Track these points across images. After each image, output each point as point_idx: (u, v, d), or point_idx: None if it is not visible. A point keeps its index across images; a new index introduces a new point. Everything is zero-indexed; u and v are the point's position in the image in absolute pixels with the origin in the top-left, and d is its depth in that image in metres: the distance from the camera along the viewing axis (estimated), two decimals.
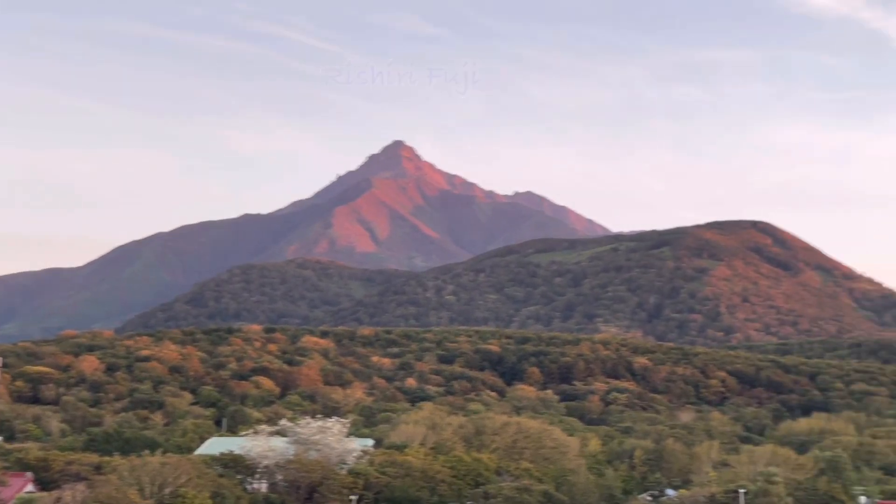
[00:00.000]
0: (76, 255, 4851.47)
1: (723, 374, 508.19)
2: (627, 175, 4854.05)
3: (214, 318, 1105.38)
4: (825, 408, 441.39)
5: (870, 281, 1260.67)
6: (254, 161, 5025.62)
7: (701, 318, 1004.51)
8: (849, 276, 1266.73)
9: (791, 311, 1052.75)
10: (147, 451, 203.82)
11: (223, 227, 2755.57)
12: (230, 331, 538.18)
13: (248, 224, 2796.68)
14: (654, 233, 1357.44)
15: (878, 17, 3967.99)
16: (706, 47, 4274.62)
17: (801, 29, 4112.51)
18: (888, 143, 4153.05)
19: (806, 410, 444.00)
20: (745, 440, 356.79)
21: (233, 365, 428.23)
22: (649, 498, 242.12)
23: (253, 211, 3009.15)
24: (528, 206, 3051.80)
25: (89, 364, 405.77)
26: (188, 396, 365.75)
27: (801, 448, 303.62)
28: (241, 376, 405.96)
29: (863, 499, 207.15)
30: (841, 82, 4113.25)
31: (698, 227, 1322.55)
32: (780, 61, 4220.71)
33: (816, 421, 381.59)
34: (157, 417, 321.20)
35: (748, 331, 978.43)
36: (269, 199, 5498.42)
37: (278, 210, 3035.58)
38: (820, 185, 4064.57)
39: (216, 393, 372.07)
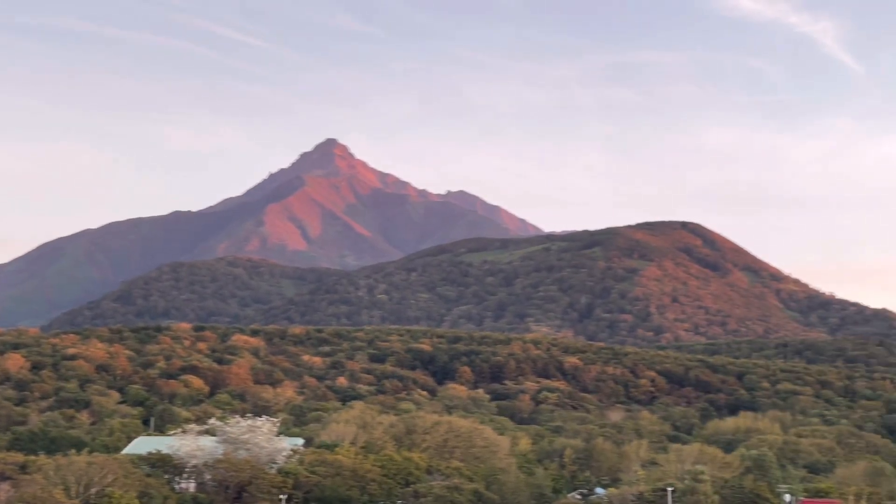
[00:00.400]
0: (1, 251, 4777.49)
1: (652, 373, 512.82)
2: (560, 175, 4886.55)
3: (143, 317, 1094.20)
4: (752, 407, 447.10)
5: (796, 282, 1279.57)
6: (184, 158, 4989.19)
7: (631, 319, 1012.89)
8: (776, 277, 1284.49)
9: (719, 312, 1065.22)
10: (73, 451, 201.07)
11: (153, 225, 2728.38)
12: (159, 329, 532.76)
13: (178, 221, 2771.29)
14: (585, 233, 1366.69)
15: (805, 22, 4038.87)
16: (638, 49, 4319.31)
17: (730, 33, 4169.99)
18: (814, 145, 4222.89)
19: (733, 409, 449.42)
20: (674, 439, 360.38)
21: (161, 364, 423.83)
22: (579, 496, 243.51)
23: (183, 208, 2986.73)
24: (460, 205, 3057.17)
25: (14, 362, 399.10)
26: (115, 395, 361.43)
27: (728, 447, 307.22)
28: (170, 375, 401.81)
29: (787, 497, 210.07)
30: (769, 86, 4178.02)
31: (629, 227, 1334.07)
32: (709, 64, 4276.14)
33: (743, 420, 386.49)
34: (84, 416, 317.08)
35: (677, 331, 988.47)
36: (199, 196, 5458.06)
37: (209, 207, 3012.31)
38: (748, 187, 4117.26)
39: (144, 392, 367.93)
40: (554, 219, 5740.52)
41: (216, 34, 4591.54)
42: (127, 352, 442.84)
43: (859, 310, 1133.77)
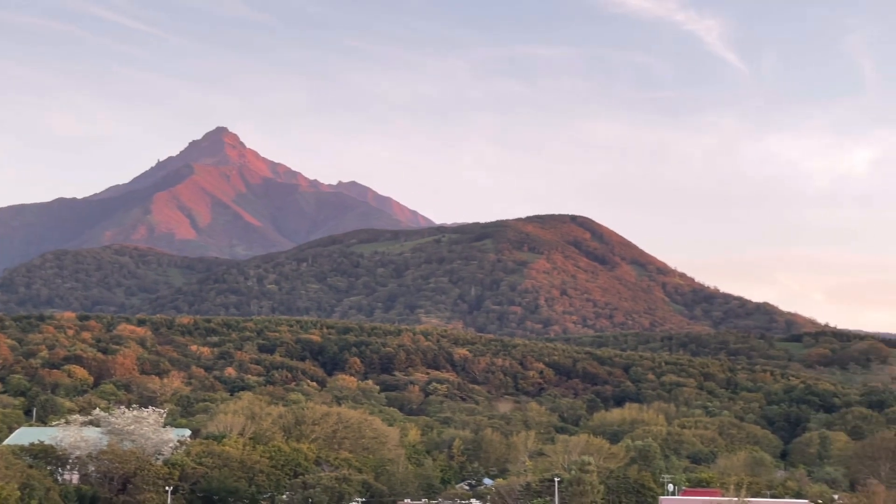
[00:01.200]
0: None
1: (540, 365, 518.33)
2: (451, 167, 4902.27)
3: (25, 305, 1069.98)
4: (637, 398, 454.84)
5: (681, 276, 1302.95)
6: (69, 143, 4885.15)
7: (520, 311, 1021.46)
8: (662, 271, 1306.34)
9: (607, 305, 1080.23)
10: None
11: (36, 211, 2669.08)
12: (42, 318, 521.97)
13: (63, 208, 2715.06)
14: (476, 225, 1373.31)
15: (691, 20, 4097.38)
16: (527, 43, 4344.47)
17: (618, 29, 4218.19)
18: (699, 142, 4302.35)
19: (619, 401, 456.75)
20: (561, 430, 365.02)
21: (44, 353, 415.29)
22: (467, 487, 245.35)
23: (68, 195, 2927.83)
24: (352, 196, 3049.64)
25: None
26: None
27: (614, 438, 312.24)
28: (53, 365, 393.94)
29: (670, 486, 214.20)
30: (656, 82, 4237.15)
31: (519, 220, 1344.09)
32: (598, 59, 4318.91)
33: (629, 411, 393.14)
34: None
35: (566, 323, 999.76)
36: (85, 183, 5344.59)
37: (95, 195, 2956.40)
38: (636, 181, 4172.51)
39: (26, 382, 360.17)
40: (445, 211, 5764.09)
41: (103, 18, 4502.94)
42: (8, 341, 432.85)
43: (742, 304, 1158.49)
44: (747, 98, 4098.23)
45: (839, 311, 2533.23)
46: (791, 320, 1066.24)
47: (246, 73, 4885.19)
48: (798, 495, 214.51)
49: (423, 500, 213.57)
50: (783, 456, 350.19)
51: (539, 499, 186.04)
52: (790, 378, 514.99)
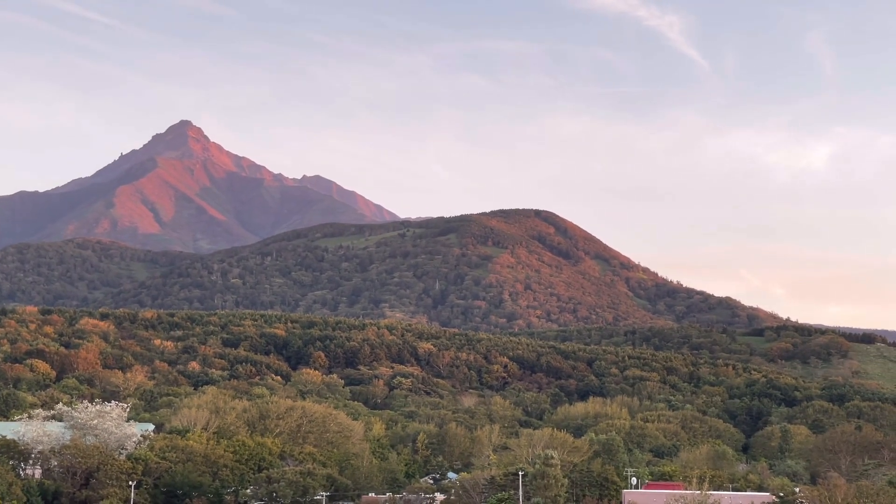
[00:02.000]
0: None
1: (505, 359, 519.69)
2: (415, 162, 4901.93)
3: None
4: (601, 392, 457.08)
5: (645, 271, 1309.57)
6: (30, 136, 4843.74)
7: (485, 305, 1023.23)
8: (626, 265, 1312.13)
9: (571, 299, 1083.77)
10: None
11: None
12: (3, 312, 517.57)
13: (24, 202, 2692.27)
14: (440, 220, 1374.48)
15: (653, 16, 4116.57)
16: (490, 38, 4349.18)
17: (581, 24, 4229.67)
18: (661, 137, 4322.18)
19: (583, 395, 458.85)
20: (525, 424, 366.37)
21: (5, 347, 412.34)
22: (431, 481, 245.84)
23: (29, 188, 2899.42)
24: (316, 190, 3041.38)
25: None
26: None
27: (578, 431, 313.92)
28: (15, 359, 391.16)
29: (634, 479, 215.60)
30: (618, 77, 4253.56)
31: (484, 214, 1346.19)
32: (560, 54, 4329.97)
33: (592, 405, 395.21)
34: None
35: (530, 317, 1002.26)
36: (46, 176, 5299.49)
37: (57, 188, 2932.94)
38: (599, 177, 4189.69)
39: None
40: (409, 205, 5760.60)
41: (62, 10, 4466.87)
42: None
43: (704, 298, 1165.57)
44: (709, 94, 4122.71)
45: (800, 305, 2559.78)
46: (753, 315, 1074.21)
47: (209, 67, 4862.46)
48: (760, 488, 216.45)
49: (388, 493, 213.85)
50: (745, 449, 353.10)
51: (503, 493, 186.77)
52: (752, 372, 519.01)
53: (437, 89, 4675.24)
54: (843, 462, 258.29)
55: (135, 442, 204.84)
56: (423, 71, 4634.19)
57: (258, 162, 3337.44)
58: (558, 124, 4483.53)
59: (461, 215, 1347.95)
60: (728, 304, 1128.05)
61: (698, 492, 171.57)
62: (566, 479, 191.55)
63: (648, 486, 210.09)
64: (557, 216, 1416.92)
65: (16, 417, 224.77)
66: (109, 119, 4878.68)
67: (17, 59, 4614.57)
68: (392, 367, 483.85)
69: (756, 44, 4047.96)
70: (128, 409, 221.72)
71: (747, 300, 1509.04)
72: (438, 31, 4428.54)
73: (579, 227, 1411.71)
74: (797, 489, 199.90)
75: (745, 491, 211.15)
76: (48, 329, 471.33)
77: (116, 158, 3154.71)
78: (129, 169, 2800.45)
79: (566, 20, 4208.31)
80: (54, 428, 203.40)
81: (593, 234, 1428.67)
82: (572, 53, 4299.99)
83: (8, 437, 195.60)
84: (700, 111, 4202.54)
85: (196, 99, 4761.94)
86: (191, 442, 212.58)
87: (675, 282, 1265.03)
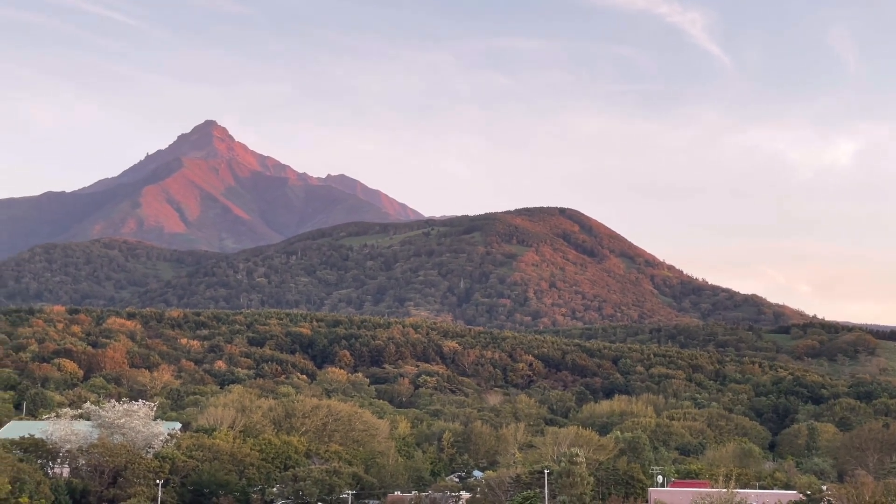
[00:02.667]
0: None
1: (530, 357, 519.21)
2: (439, 160, 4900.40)
3: (14, 299, 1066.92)
4: (626, 390, 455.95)
5: (670, 268, 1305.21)
6: (58, 137, 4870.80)
7: (509, 303, 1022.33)
8: (650, 263, 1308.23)
9: (596, 297, 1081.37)
10: None
11: (24, 205, 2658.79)
12: (31, 312, 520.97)
13: (51, 202, 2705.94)
14: (465, 218, 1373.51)
15: (674, 12, 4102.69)
16: (511, 36, 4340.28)
17: (601, 21, 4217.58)
18: (682, 134, 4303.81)
19: (608, 393, 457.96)
20: (550, 422, 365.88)
21: (34, 347, 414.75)
22: (457, 479, 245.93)
23: (56, 188, 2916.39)
24: (341, 189, 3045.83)
25: None
26: None
27: (604, 429, 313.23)
28: (43, 358, 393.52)
29: (660, 478, 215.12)
30: (639, 75, 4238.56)
31: (508, 213, 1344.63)
32: (581, 52, 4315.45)
33: (618, 403, 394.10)
34: None
35: (555, 316, 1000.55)
36: (73, 176, 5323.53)
37: (84, 188, 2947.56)
38: (621, 174, 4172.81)
39: (15, 375, 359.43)
40: (434, 204, 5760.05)
41: (88, 12, 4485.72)
42: None
43: (730, 295, 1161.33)
44: (731, 91, 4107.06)
45: (826, 302, 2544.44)
46: (779, 312, 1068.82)
47: (232, 67, 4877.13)
48: (787, 487, 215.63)
49: (413, 492, 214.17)
50: (771, 447, 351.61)
51: (528, 491, 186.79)
52: (778, 369, 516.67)
53: (458, 87, 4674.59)
54: (871, 460, 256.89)
55: (162, 441, 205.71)
56: (444, 69, 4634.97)
57: (283, 161, 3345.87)
58: (580, 122, 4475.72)
59: (486, 213, 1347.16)
60: (754, 302, 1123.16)
61: (725, 490, 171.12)
62: (591, 478, 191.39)
63: (674, 485, 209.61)
64: (582, 214, 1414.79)
65: (44, 416, 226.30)
66: (135, 119, 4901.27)
67: (42, 60, 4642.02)
68: (417, 366, 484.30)
69: (778, 40, 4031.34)
70: (154, 408, 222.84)
71: (773, 298, 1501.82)
72: (458, 29, 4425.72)
73: (603, 225, 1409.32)
74: (824, 487, 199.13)
75: (772, 489, 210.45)
76: (75, 328, 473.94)
77: (142, 158, 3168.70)
78: (155, 169, 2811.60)
79: (586, 17, 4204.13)
80: (82, 427, 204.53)
81: (618, 231, 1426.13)
82: (593, 51, 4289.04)
83: (36, 437, 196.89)
84: (722, 108, 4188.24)
85: (220, 98, 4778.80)
86: (217, 441, 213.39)
87: (700, 279, 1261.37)
